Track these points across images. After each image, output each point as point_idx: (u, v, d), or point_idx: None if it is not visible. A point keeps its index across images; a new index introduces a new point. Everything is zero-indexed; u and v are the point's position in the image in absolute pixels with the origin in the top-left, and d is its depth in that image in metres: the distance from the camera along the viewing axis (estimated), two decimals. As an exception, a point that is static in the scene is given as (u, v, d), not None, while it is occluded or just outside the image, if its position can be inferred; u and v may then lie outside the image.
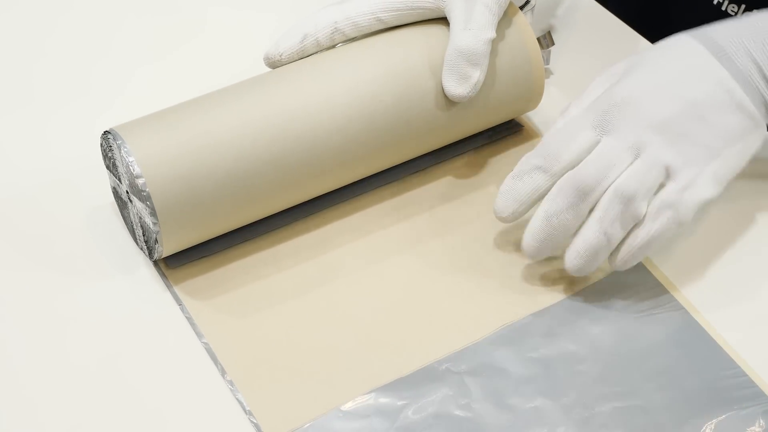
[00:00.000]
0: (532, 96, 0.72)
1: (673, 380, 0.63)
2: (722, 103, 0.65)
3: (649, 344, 0.64)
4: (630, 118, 0.64)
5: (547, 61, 0.78)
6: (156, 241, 0.64)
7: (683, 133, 0.64)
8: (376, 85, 0.67)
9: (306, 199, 0.69)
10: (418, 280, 0.67)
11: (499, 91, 0.70)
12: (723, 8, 0.85)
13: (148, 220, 0.63)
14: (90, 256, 0.68)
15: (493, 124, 0.73)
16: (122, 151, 0.63)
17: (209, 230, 0.66)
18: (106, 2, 0.85)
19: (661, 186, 0.64)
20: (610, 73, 0.68)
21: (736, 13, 0.84)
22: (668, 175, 0.64)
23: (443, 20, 0.70)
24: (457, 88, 0.68)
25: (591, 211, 0.64)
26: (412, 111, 0.68)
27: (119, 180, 0.66)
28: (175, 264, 0.67)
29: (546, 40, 0.77)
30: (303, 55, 0.70)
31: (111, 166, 0.66)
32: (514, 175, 0.65)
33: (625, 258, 0.64)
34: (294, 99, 0.66)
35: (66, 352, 0.64)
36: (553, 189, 0.64)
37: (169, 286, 0.66)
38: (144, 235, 0.66)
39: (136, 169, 0.62)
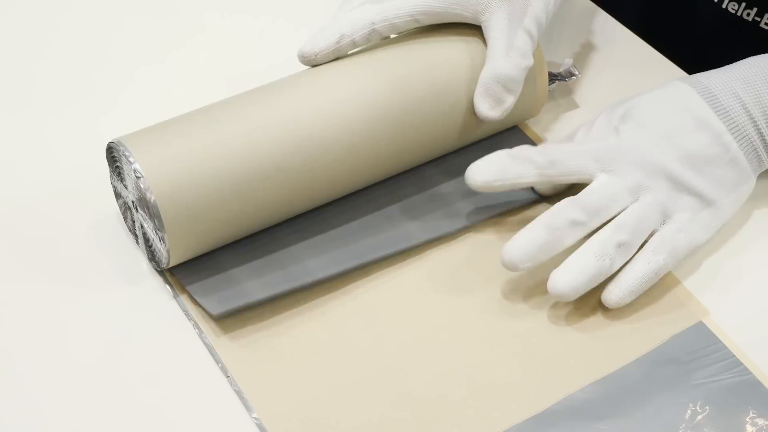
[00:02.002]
0: (535, 104, 0.73)
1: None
2: (717, 157, 0.67)
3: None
4: (632, 163, 0.66)
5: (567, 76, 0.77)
6: (164, 253, 0.64)
7: (680, 181, 0.66)
8: (395, 91, 0.67)
9: (321, 202, 0.68)
10: (472, 345, 0.64)
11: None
12: (723, 6, 0.85)
13: (156, 236, 0.63)
14: (95, 264, 0.67)
15: (498, 131, 0.74)
16: (131, 164, 0.62)
17: (215, 240, 0.65)
18: (104, 4, 0.84)
19: (654, 232, 0.66)
20: (611, 115, 0.69)
21: (736, 12, 0.84)
22: (664, 219, 0.66)
23: (479, 31, 0.70)
24: (489, 111, 0.69)
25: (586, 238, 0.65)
26: (432, 119, 0.69)
27: (125, 188, 0.65)
28: (220, 311, 0.63)
29: (566, 71, 0.77)
30: (338, 55, 0.69)
31: (117, 174, 0.66)
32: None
33: (621, 293, 0.64)
34: (309, 109, 0.66)
35: (70, 357, 0.63)
36: (556, 206, 0.65)
37: (175, 295, 0.66)
38: (150, 245, 0.65)
39: (145, 183, 0.62)
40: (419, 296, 0.66)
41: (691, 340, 0.64)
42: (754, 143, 0.67)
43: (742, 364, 0.63)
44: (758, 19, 0.84)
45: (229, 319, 0.64)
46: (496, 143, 0.72)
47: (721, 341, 0.64)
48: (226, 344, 0.63)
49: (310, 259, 0.66)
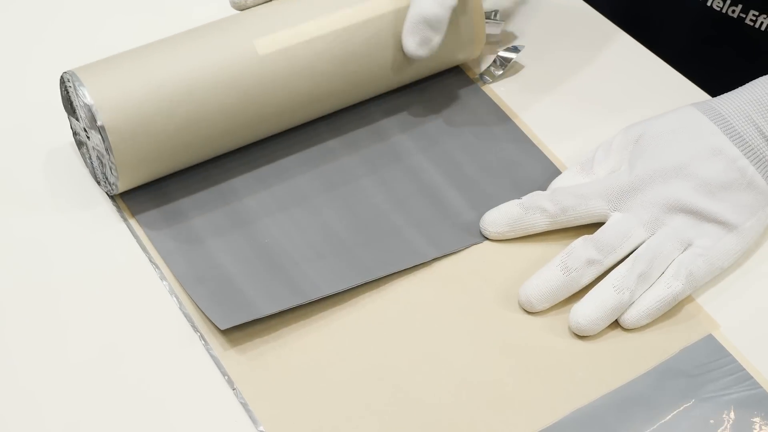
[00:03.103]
0: (472, 45, 0.76)
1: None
2: (735, 182, 0.67)
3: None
4: (646, 201, 0.66)
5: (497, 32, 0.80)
6: (112, 170, 0.67)
7: (698, 211, 0.66)
8: (334, 33, 0.71)
9: (263, 132, 0.72)
10: (480, 358, 0.64)
11: (445, 41, 0.73)
12: (708, 4, 0.86)
13: (103, 149, 0.66)
14: (51, 194, 0.71)
15: (438, 70, 0.77)
16: (77, 88, 0.66)
17: (163, 154, 0.68)
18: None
19: (674, 260, 0.66)
20: (626, 140, 0.69)
21: (721, 9, 0.85)
22: (685, 247, 0.66)
23: None
24: (417, 49, 0.71)
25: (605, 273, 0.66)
26: (367, 54, 0.72)
27: (77, 119, 0.69)
28: (224, 323, 0.63)
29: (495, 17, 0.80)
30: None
31: (70, 106, 0.69)
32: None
33: (638, 316, 0.64)
34: (247, 35, 0.70)
35: (31, 280, 0.66)
36: (571, 247, 0.66)
37: (124, 219, 0.69)
38: (102, 168, 0.69)
39: (88, 99, 0.65)
40: (427, 309, 0.66)
41: (700, 353, 0.64)
42: None
43: (752, 377, 0.63)
44: (743, 16, 0.85)
45: (236, 332, 0.64)
46: (438, 84, 0.77)
47: (731, 354, 0.64)
48: (232, 357, 0.63)
49: (318, 274, 0.66)
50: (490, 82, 0.78)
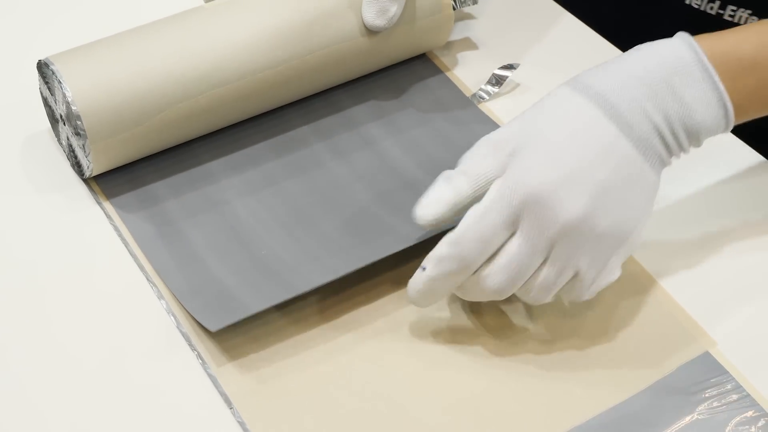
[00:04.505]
0: (440, 32, 0.78)
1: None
2: (629, 181, 0.61)
3: None
4: (541, 220, 0.60)
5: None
6: (86, 155, 0.69)
7: (593, 227, 0.60)
8: (298, 13, 0.73)
9: (233, 116, 0.74)
10: (478, 376, 0.64)
11: (409, 22, 0.76)
12: (687, 2, 0.86)
13: (78, 133, 0.69)
14: (25, 176, 0.73)
15: (407, 57, 0.80)
16: (54, 74, 0.68)
17: (137, 137, 0.71)
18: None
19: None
20: (501, 138, 0.62)
21: (699, 6, 0.86)
22: (576, 273, 0.62)
23: None
24: (375, 19, 0.73)
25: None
26: (331, 37, 0.74)
27: (54, 102, 0.71)
28: (218, 326, 0.63)
29: None
30: None
31: (47, 90, 0.71)
32: (432, 278, 0.62)
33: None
34: (213, 22, 0.72)
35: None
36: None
37: (98, 201, 0.71)
38: (75, 156, 0.71)
39: (74, 108, 0.68)
40: (427, 327, 0.66)
41: (697, 371, 0.64)
42: (660, 154, 0.62)
43: (749, 395, 0.63)
44: (722, 12, 0.85)
45: (233, 348, 0.64)
46: (406, 71, 0.80)
47: (728, 372, 0.64)
48: (229, 374, 0.63)
49: (307, 269, 0.67)
50: (487, 100, 0.78)
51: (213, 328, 0.63)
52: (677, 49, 0.63)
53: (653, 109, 0.62)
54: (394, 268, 0.68)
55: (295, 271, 0.67)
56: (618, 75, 0.63)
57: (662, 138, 0.62)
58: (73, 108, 0.68)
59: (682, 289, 0.68)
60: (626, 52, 0.64)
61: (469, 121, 0.77)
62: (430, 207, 0.62)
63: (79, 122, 0.68)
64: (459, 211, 0.62)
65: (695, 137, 0.63)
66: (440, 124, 0.77)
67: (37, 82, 0.74)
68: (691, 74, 0.62)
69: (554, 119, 0.62)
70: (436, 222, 0.62)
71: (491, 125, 0.76)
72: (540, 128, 0.62)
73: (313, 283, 0.65)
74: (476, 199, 0.61)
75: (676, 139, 0.62)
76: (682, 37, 0.64)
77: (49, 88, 0.71)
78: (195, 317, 0.64)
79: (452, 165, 0.68)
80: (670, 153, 0.63)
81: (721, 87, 0.62)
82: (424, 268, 0.62)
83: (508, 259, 0.61)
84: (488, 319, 0.66)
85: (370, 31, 0.75)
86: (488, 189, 0.61)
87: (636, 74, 0.62)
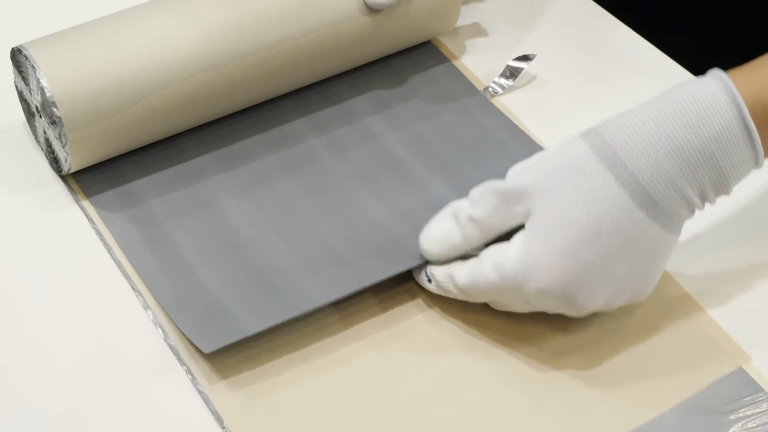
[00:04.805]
0: (449, 14, 0.74)
1: None
2: (651, 253, 0.59)
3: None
4: (550, 305, 0.60)
5: None
6: (63, 146, 0.66)
7: (609, 304, 0.60)
8: None
9: (221, 108, 0.70)
10: (493, 394, 0.60)
11: (415, 6, 0.73)
12: None
13: (54, 126, 0.66)
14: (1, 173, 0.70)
15: (410, 44, 0.75)
16: (30, 64, 0.65)
17: (118, 130, 0.67)
18: None
19: None
20: (512, 193, 0.60)
21: None
22: None
23: None
24: None
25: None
26: (326, 17, 0.70)
27: (29, 93, 0.68)
28: (211, 348, 0.59)
29: None
30: None
31: (21, 81, 0.68)
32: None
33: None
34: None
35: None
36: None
37: (77, 200, 0.68)
38: (52, 149, 0.68)
39: (49, 93, 0.64)
40: (433, 340, 0.62)
41: (730, 388, 0.61)
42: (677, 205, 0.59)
43: (786, 414, 0.60)
44: None
45: (226, 364, 0.61)
46: (410, 60, 0.75)
47: (763, 389, 0.61)
48: (221, 391, 0.60)
49: (310, 288, 0.63)
50: (501, 94, 0.74)
51: (207, 349, 0.59)
52: (718, 106, 0.58)
53: (688, 186, 0.58)
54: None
55: (294, 286, 0.62)
56: (652, 148, 0.58)
57: (692, 206, 0.59)
58: (47, 94, 0.64)
59: (714, 302, 0.65)
60: (660, 100, 0.59)
61: (478, 113, 0.73)
62: (438, 246, 0.62)
63: (54, 109, 0.65)
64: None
65: (725, 192, 0.60)
66: (447, 118, 0.73)
67: (10, 75, 0.70)
68: (732, 140, 0.58)
69: (576, 196, 0.58)
70: (443, 259, 0.62)
71: (502, 119, 0.72)
72: (561, 207, 0.58)
73: (315, 302, 0.61)
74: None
75: (707, 201, 0.60)
76: (721, 85, 0.58)
77: (23, 78, 0.68)
78: (187, 336, 0.60)
79: (461, 163, 0.69)
80: (696, 210, 0.60)
81: (760, 148, 0.59)
82: (429, 280, 0.63)
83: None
84: (503, 331, 0.63)
85: (371, 11, 0.71)
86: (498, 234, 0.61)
87: (672, 147, 0.58)
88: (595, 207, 0.58)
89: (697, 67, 0.73)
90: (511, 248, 0.59)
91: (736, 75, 0.59)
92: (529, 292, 0.59)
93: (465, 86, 0.75)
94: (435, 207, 0.65)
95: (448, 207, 0.62)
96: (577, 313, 0.60)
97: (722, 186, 0.59)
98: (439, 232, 0.61)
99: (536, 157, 0.60)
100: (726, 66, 0.61)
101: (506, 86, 0.75)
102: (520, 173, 0.60)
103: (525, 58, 0.75)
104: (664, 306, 0.64)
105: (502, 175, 0.64)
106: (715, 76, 0.59)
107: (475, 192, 0.61)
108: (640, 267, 0.59)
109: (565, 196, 0.58)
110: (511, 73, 0.75)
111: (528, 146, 0.70)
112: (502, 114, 0.73)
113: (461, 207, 0.61)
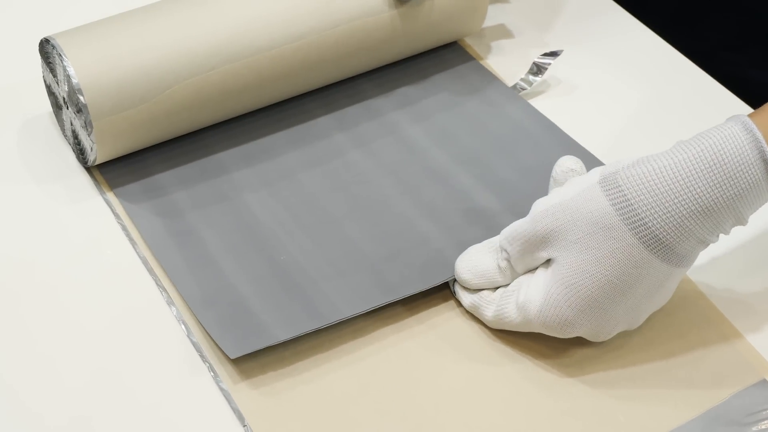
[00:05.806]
0: (476, 13, 0.74)
1: None
2: (663, 289, 0.60)
3: None
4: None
5: None
6: (89, 135, 0.66)
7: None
8: None
9: (247, 103, 0.70)
10: (512, 400, 0.60)
11: (441, 6, 0.72)
12: None
13: (82, 119, 0.66)
14: (25, 164, 0.69)
15: (437, 43, 0.75)
16: (59, 56, 0.65)
17: (141, 136, 0.67)
18: None
19: None
20: (532, 237, 0.60)
21: None
22: None
23: None
24: None
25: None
26: (353, 10, 0.70)
27: (57, 85, 0.68)
28: (237, 354, 0.59)
29: None
30: None
31: (50, 71, 0.68)
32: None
33: None
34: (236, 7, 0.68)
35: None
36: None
37: (101, 192, 0.68)
38: (78, 141, 0.68)
39: (75, 81, 0.65)
40: (455, 343, 0.62)
41: (753, 400, 0.60)
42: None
43: (809, 428, 0.59)
44: None
45: (249, 364, 0.60)
46: (436, 59, 0.75)
47: None
48: (244, 391, 0.59)
49: (336, 295, 0.62)
50: (528, 90, 0.74)
51: (232, 355, 0.59)
52: (747, 164, 0.57)
53: (710, 234, 0.58)
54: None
55: (319, 289, 0.62)
56: (676, 211, 0.57)
57: (708, 243, 0.59)
58: (73, 81, 0.64)
59: (738, 313, 0.64)
60: (685, 152, 0.57)
61: (505, 104, 0.73)
62: (476, 278, 0.62)
63: (80, 96, 0.64)
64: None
65: (742, 225, 0.59)
66: (473, 110, 0.72)
67: (38, 65, 0.70)
68: (758, 192, 0.58)
69: (599, 255, 0.58)
70: (477, 288, 0.63)
71: (530, 110, 0.72)
72: (584, 260, 0.58)
73: (342, 313, 0.61)
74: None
75: (723, 235, 0.60)
76: (748, 137, 0.57)
77: (51, 70, 0.67)
78: (214, 339, 0.60)
79: (487, 157, 0.69)
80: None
81: None
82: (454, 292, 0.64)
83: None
84: (527, 336, 0.62)
85: (398, 3, 0.70)
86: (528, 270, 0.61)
87: (697, 209, 0.57)
88: (619, 267, 0.58)
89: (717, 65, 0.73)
90: (533, 290, 0.60)
91: (757, 119, 0.57)
92: (552, 334, 0.60)
93: (491, 81, 0.74)
94: (460, 200, 0.65)
95: (488, 241, 0.63)
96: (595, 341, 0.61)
97: (740, 223, 0.59)
98: (481, 267, 0.62)
99: (557, 198, 0.59)
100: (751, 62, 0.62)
101: (533, 83, 0.74)
102: (544, 215, 0.59)
103: (552, 54, 0.75)
104: (688, 317, 0.63)
105: (531, 169, 0.64)
106: (740, 123, 0.57)
107: (505, 234, 0.61)
108: (655, 301, 0.60)
109: (588, 249, 0.58)
110: (538, 69, 0.74)
111: (558, 138, 0.70)
112: (530, 105, 0.72)
113: (499, 246, 0.62)
